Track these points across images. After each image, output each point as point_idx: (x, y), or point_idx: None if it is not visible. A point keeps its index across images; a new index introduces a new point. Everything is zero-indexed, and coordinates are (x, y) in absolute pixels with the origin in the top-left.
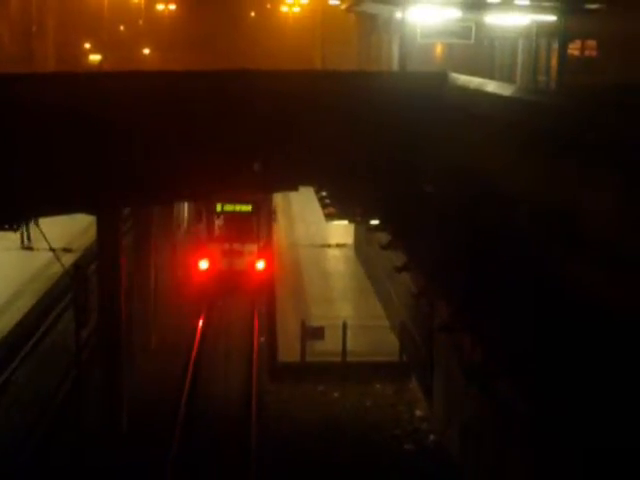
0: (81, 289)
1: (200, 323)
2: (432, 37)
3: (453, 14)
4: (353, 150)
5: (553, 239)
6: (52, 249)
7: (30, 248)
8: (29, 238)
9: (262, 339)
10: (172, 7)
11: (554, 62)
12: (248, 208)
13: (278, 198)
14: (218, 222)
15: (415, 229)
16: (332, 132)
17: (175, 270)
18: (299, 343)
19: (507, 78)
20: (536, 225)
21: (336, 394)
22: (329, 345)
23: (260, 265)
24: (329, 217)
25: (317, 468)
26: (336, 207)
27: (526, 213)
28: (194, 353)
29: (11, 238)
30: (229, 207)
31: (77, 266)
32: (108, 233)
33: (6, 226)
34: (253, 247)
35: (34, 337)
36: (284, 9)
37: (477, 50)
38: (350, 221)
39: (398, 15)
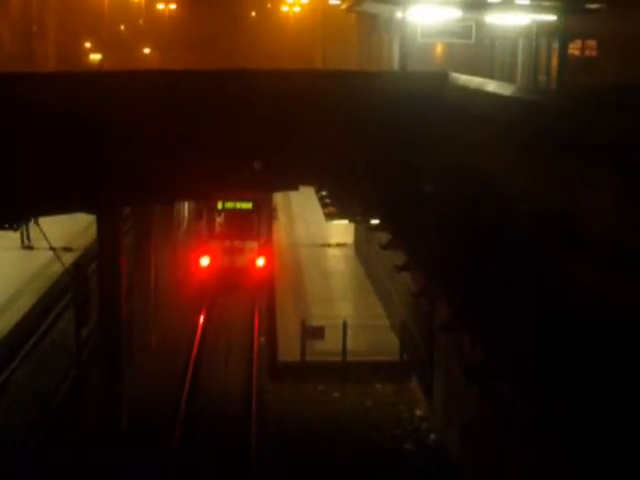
0: (81, 288)
1: (200, 322)
2: (432, 37)
3: (453, 14)
4: (353, 150)
5: (553, 239)
6: (52, 248)
7: (30, 247)
8: (28, 237)
9: (262, 339)
10: (172, 7)
11: (554, 62)
12: (249, 206)
13: (278, 197)
14: (219, 220)
15: (415, 229)
16: (332, 132)
17: (175, 269)
18: (299, 343)
19: (507, 78)
20: (536, 225)
21: (336, 394)
22: (329, 345)
23: (260, 262)
24: (329, 216)
25: (317, 468)
26: (336, 206)
27: (526, 213)
28: (194, 352)
29: (11, 237)
30: (230, 205)
31: (77, 265)
32: (108, 232)
33: (6, 225)
34: (253, 244)
35: (34, 336)
36: (285, 9)
37: (477, 50)
38: (350, 220)
39: (398, 15)
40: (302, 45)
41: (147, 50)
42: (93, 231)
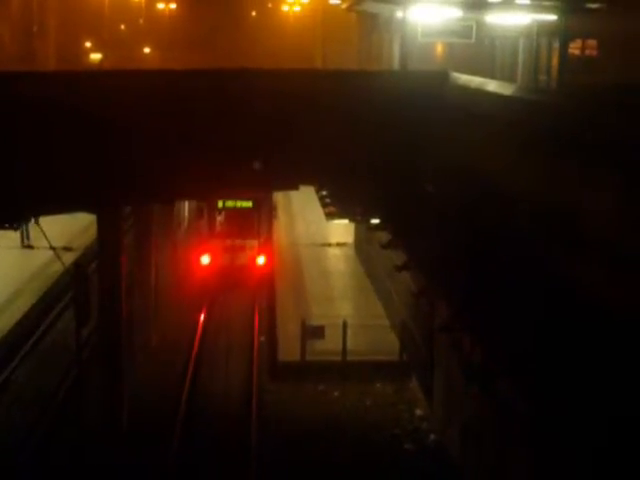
0: (81, 288)
1: (200, 321)
2: (433, 36)
3: (454, 13)
4: (353, 149)
5: (553, 239)
6: (52, 248)
7: (30, 247)
8: (28, 237)
9: (262, 338)
10: (173, 6)
11: (555, 61)
12: (249, 204)
13: (279, 197)
14: (219, 218)
15: (415, 228)
16: (332, 131)
17: (176, 268)
18: (299, 342)
19: (508, 77)
20: (536, 225)
21: (336, 393)
22: (329, 344)
23: (261, 260)
24: (329, 216)
25: (317, 467)
26: (336, 206)
27: (526, 213)
28: (195, 351)
29: (11, 237)
30: (230, 203)
31: (77, 265)
32: (109, 232)
33: (6, 225)
34: (254, 242)
35: (34, 336)
36: (285, 8)
37: (478, 49)
38: (350, 220)
39: (399, 14)
40: (302, 44)
41: (147, 50)
42: (93, 231)
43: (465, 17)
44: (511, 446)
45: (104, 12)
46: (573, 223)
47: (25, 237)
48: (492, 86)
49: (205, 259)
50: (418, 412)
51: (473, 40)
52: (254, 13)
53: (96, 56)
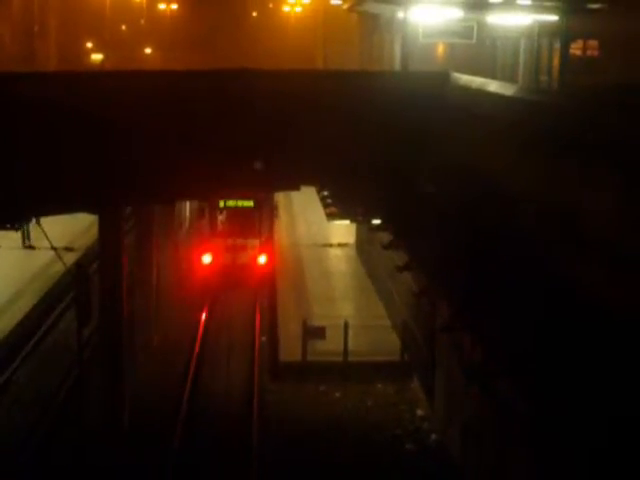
0: (83, 288)
1: (202, 321)
2: (434, 37)
3: (455, 14)
4: (355, 150)
5: (554, 239)
6: (54, 248)
7: (32, 247)
8: (29, 237)
9: (263, 338)
10: (174, 7)
11: (556, 62)
12: (250, 203)
13: (280, 197)
14: (221, 217)
15: (417, 229)
16: (334, 132)
17: (177, 268)
18: (300, 342)
19: (509, 78)
20: (537, 225)
21: (337, 394)
22: (330, 345)
23: (262, 259)
24: (331, 217)
25: (318, 467)
26: (338, 207)
27: (527, 213)
28: (196, 351)
29: (13, 237)
30: (231, 203)
31: (79, 265)
32: (110, 232)
33: (8, 225)
34: (255, 242)
35: (36, 336)
36: (286, 9)
37: (479, 50)
38: (352, 221)
39: (400, 15)
40: (303, 45)
41: (148, 50)
42: (94, 231)
43: (466, 18)
44: (511, 446)
45: (105, 12)
46: (574, 223)
47: (26, 237)
48: (493, 86)
49: (207, 258)
50: (419, 412)
51: (474, 40)
52: (255, 14)
53: (97, 56)
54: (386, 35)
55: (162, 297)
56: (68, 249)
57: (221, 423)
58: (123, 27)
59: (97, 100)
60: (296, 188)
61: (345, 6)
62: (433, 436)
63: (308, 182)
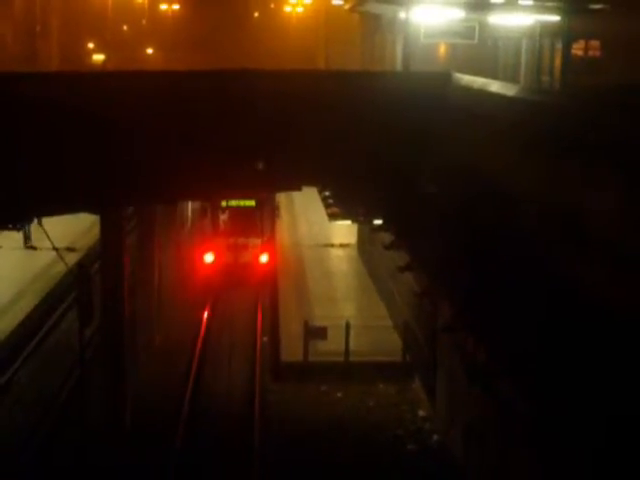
0: (84, 288)
1: (204, 320)
2: (436, 37)
3: (457, 14)
4: (356, 150)
5: (556, 239)
6: (55, 248)
7: (34, 247)
8: (29, 237)
9: (265, 339)
10: (176, 7)
11: (558, 62)
12: (252, 203)
13: (281, 198)
14: (223, 217)
15: (418, 229)
16: (335, 132)
17: (179, 267)
18: (302, 343)
19: (511, 78)
20: (539, 225)
21: (339, 394)
22: (332, 345)
23: (264, 258)
24: (332, 217)
25: (320, 467)
26: (339, 207)
27: (529, 213)
28: (197, 351)
29: (14, 237)
30: (233, 202)
31: (80, 265)
32: (111, 232)
33: (10, 225)
34: (257, 241)
35: (38, 336)
36: (288, 9)
37: (481, 50)
38: (353, 221)
39: (402, 15)
40: (305, 45)
41: (150, 50)
42: (96, 231)
43: (468, 18)
44: (514, 446)
45: (107, 13)
46: (576, 223)
47: (27, 238)
48: (495, 87)
49: (209, 257)
50: (421, 412)
51: (476, 41)
52: (257, 14)
53: (99, 57)
54: (388, 35)
55: (164, 297)
56: (70, 249)
57: (223, 423)
58: (125, 27)
59: (99, 100)
60: (297, 188)
61: (347, 6)
62: (435, 436)
63: (309, 182)
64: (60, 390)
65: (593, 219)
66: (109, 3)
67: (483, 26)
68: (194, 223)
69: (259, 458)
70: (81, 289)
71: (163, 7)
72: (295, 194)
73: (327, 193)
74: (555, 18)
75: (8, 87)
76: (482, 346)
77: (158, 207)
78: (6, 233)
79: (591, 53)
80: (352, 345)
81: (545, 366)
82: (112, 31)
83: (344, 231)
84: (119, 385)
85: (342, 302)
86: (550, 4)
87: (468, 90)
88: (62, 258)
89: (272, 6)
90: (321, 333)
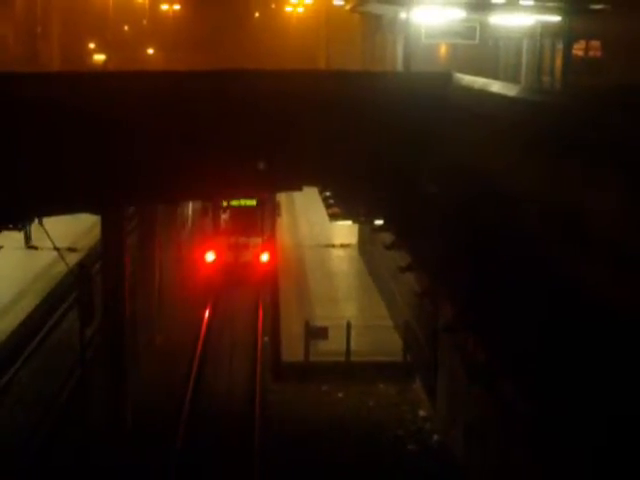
0: (85, 288)
1: (204, 320)
2: (436, 37)
3: (457, 14)
4: (357, 150)
5: (557, 239)
6: (56, 248)
7: (35, 247)
8: (30, 237)
9: (266, 339)
10: (176, 7)
11: (558, 62)
12: (253, 202)
13: (282, 198)
14: (224, 216)
15: (419, 229)
16: (336, 132)
17: (180, 267)
18: (303, 343)
19: (512, 78)
20: (540, 225)
21: (340, 394)
22: (333, 345)
23: (264, 257)
24: (333, 217)
25: (320, 467)
26: (340, 207)
27: (530, 213)
28: (198, 351)
29: (16, 237)
30: (234, 201)
31: (81, 265)
32: (112, 232)
33: (10, 225)
34: (258, 240)
35: (39, 336)
36: (288, 9)
37: (481, 50)
38: (354, 221)
39: (402, 15)
40: (306, 45)
41: (151, 51)
42: (97, 231)
43: (469, 18)
44: (515, 446)
45: (108, 13)
46: (577, 223)
47: (28, 238)
48: (496, 87)
49: (210, 256)
50: (421, 413)
51: (477, 41)
52: (257, 14)
53: (100, 57)
54: (388, 35)
55: (165, 297)
56: (71, 249)
57: (224, 423)
58: (126, 28)
59: (100, 100)
60: (298, 188)
61: (347, 7)
62: (435, 437)
63: (310, 182)
64: (61, 390)
65: (594, 219)
66: (110, 3)
67: (484, 26)
68: (195, 223)
69: (260, 458)
70: (82, 289)
71: (164, 7)
72: (296, 194)
73: (328, 193)
74: (556, 18)
75: (9, 87)
76: (483, 346)
77: (159, 207)
78: (7, 233)
79: (592, 53)
80: (353, 345)
81: (546, 366)
82: (113, 31)
83: (345, 231)
84: (120, 385)
85: (343, 302)
86: (551, 4)
87: (469, 90)
88: (63, 258)
89: (273, 6)
90: (322, 333)
